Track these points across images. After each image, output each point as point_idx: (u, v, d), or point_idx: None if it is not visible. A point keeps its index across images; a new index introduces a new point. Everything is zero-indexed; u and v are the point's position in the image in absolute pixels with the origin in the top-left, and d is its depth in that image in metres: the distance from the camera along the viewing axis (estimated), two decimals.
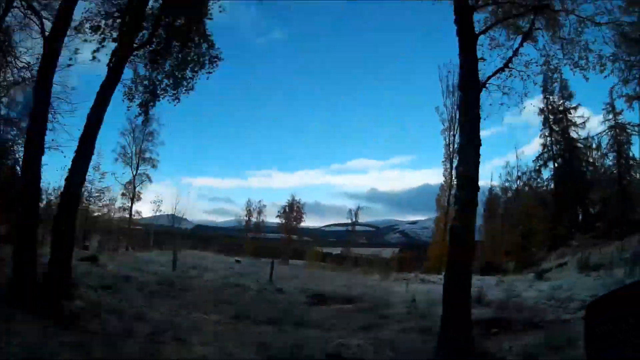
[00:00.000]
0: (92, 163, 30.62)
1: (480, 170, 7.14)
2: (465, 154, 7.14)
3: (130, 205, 34.98)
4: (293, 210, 43.19)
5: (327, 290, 12.52)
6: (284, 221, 43.16)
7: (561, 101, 37.32)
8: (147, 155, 35.03)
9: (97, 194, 29.40)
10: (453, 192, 32.82)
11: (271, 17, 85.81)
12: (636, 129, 31.29)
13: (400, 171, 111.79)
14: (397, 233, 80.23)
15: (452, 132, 32.97)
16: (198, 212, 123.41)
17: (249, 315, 8.60)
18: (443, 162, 34.37)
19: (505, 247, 33.17)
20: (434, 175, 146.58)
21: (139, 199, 35.61)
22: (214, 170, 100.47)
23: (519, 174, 37.05)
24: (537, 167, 36.82)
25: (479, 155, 7.15)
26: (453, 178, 32.30)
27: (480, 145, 7.19)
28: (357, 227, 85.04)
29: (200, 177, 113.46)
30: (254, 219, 44.12)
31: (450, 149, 32.90)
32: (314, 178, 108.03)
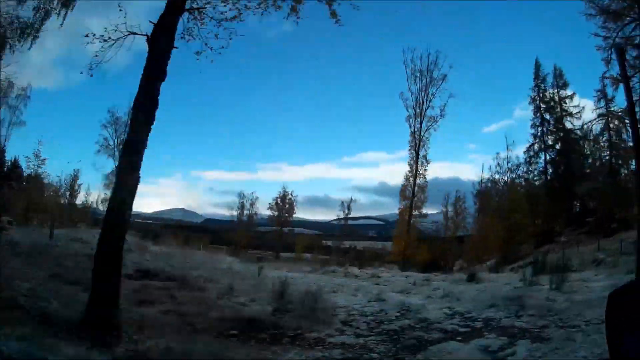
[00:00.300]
0: (31, 150, 33.29)
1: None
2: (136, 116, 6.30)
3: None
4: (285, 203, 42.05)
5: (162, 269, 11.91)
6: (275, 214, 42.08)
7: (555, 90, 34.52)
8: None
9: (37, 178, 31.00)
10: (419, 181, 30.94)
11: (280, 9, 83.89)
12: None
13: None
14: None
15: (418, 120, 30.53)
16: (208, 206, 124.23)
17: (66, 277, 8.54)
18: (409, 150, 31.70)
19: (494, 242, 30.78)
20: (444, 169, 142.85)
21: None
22: (225, 163, 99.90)
23: (510, 165, 34.50)
24: (528, 159, 34.15)
25: (150, 118, 6.20)
26: (419, 167, 30.31)
27: (155, 107, 6.24)
28: (367, 221, 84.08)
29: (210, 170, 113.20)
30: (246, 212, 43.06)
31: (416, 137, 30.53)
32: (325, 171, 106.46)
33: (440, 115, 30.86)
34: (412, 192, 30.19)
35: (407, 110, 31.03)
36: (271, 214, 42.27)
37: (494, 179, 34.20)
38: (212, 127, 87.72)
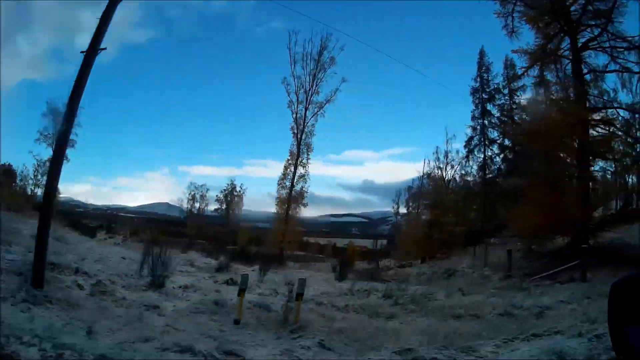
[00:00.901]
0: None
1: None
2: None
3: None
4: (233, 196, 39.27)
5: None
6: (223, 207, 39.39)
7: (505, 82, 29.98)
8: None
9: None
10: (301, 171, 27.20)
11: (269, 6, 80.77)
12: None
13: (396, 163, 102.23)
14: (390, 225, 73.54)
15: (302, 106, 26.58)
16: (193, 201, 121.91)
17: None
18: (293, 138, 27.41)
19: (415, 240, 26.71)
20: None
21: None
22: (211, 159, 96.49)
23: (449, 160, 30.21)
24: (467, 154, 29.73)
25: None
26: (301, 156, 26.55)
27: None
28: (352, 219, 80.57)
29: (197, 165, 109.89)
30: (197, 205, 40.67)
31: (299, 123, 26.63)
32: (311, 168, 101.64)
33: (327, 101, 26.99)
34: (292, 181, 26.58)
35: (289, 96, 27.26)
36: (218, 206, 39.64)
37: (429, 174, 29.94)
38: (201, 123, 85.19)
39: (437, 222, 24.96)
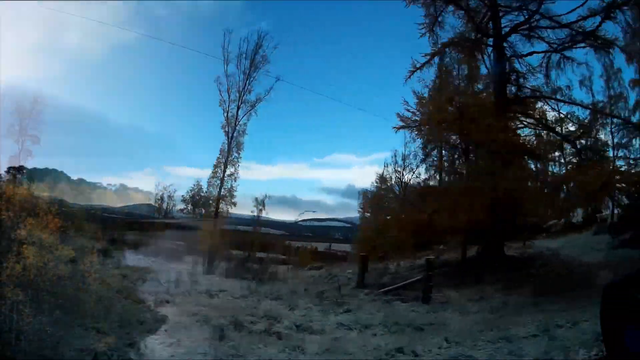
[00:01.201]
0: None
1: None
2: None
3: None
4: (200, 198, 37.61)
5: None
6: (189, 207, 37.75)
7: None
8: (30, 132, 33.21)
9: None
10: (231, 170, 25.53)
11: (257, 7, 79.39)
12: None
13: (380, 168, 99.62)
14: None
15: (235, 104, 25.18)
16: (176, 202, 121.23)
17: None
18: (224, 140, 26.04)
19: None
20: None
21: (23, 172, 34.11)
22: (194, 160, 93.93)
23: (406, 163, 27.98)
24: (424, 157, 27.48)
25: None
26: (232, 155, 25.07)
27: None
28: (334, 223, 78.79)
29: (180, 166, 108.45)
30: (165, 205, 39.03)
31: (230, 122, 25.12)
32: (295, 171, 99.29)
33: (257, 100, 25.56)
34: (222, 180, 25.12)
35: (221, 95, 25.91)
36: (184, 207, 37.98)
37: (385, 177, 27.73)
38: (185, 122, 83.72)
39: (386, 226, 22.98)
